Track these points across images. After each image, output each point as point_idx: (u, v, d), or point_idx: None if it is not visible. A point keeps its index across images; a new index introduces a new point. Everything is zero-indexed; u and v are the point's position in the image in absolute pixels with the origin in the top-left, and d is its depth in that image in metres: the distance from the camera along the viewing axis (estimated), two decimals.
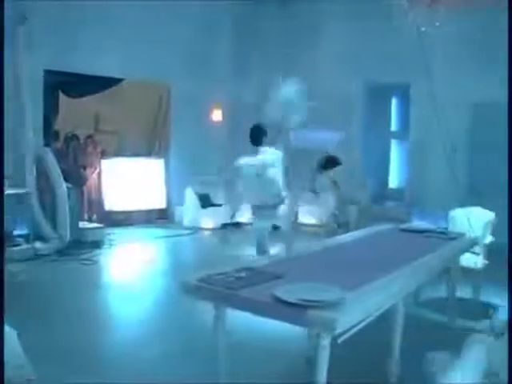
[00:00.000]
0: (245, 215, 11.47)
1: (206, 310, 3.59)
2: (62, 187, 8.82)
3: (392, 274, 3.70)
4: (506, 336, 3.88)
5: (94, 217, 11.13)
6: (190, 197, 11.59)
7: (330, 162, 8.64)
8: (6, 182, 7.75)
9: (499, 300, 6.15)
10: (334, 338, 2.89)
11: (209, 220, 11.44)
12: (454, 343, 4.98)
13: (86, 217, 10.83)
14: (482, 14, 9.15)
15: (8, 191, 7.71)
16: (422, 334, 4.96)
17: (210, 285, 3.25)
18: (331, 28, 11.67)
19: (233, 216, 8.03)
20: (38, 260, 8.17)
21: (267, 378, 4.33)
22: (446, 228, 6.08)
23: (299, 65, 12.02)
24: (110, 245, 9.44)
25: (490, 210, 6.60)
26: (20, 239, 8.41)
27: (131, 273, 8.16)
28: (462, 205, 6.84)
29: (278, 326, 3.25)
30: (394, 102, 12.66)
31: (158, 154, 12.63)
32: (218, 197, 11.60)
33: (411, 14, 7.57)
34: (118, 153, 12.20)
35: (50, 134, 10.67)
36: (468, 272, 5.98)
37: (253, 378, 4.25)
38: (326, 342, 2.84)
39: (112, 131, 12.48)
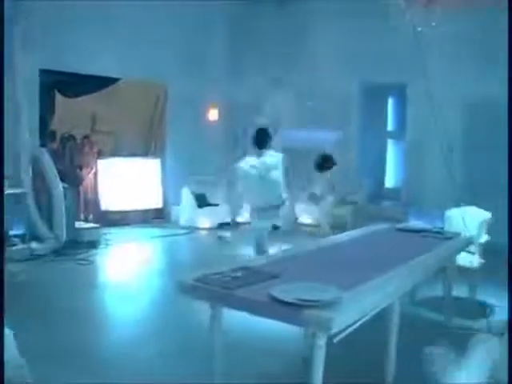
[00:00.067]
0: (242, 215, 11.54)
1: (202, 309, 3.59)
2: (59, 187, 8.82)
3: (388, 274, 3.71)
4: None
5: (91, 217, 11.11)
6: (187, 196, 11.58)
7: (326, 161, 8.61)
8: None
9: (495, 299, 6.17)
10: (330, 337, 2.90)
11: (205, 220, 11.43)
12: (451, 342, 4.99)
13: (82, 217, 10.81)
14: (478, 13, 9.16)
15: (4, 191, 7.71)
16: (418, 333, 4.96)
17: (207, 284, 3.25)
18: (327, 27, 11.66)
19: (234, 216, 8.05)
20: (34, 260, 8.16)
21: (263, 378, 4.34)
22: (442, 228, 6.09)
23: (295, 65, 12.05)
24: (107, 245, 9.43)
25: (486, 209, 6.61)
26: (16, 239, 8.40)
27: (127, 272, 8.16)
28: (458, 204, 6.84)
29: (274, 326, 3.25)
30: (390, 101, 12.66)
31: (155, 154, 12.63)
32: (214, 196, 11.60)
33: (408, 13, 7.58)
34: (115, 153, 12.18)
35: (46, 134, 10.66)
36: (464, 271, 5.99)
37: (249, 377, 4.26)
38: (321, 341, 2.84)
39: (108, 131, 12.46)
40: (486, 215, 6.50)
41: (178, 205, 11.81)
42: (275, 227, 7.08)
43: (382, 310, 3.52)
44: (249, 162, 6.63)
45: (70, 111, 11.34)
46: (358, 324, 3.14)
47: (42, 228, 8.65)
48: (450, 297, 5.49)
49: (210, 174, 11.85)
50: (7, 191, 7.84)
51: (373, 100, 11.87)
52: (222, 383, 3.52)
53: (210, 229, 11.33)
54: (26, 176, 8.62)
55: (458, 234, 5.61)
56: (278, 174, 6.68)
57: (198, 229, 11.28)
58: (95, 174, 11.35)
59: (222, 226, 11.42)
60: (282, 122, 11.30)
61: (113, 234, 10.15)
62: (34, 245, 8.41)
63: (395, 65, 10.14)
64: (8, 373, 2.53)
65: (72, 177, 10.55)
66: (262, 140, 6.74)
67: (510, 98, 6.05)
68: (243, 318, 3.30)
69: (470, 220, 6.25)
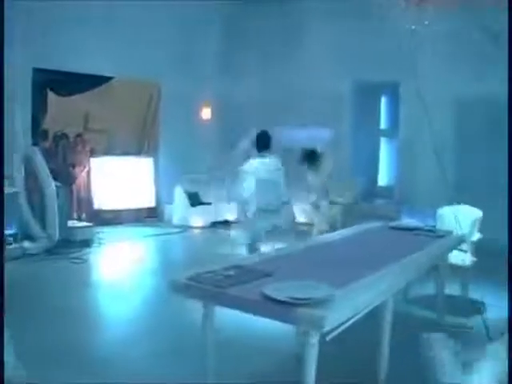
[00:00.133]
0: (235, 214, 11.54)
1: (195, 308, 3.59)
2: (51, 186, 8.80)
3: (381, 272, 3.72)
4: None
5: (83, 216, 11.10)
6: (180, 195, 11.58)
7: (309, 156, 8.57)
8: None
9: (487, 297, 6.18)
10: (322, 335, 2.90)
11: (198, 218, 11.43)
12: (442, 339, 5.01)
13: (75, 216, 10.79)
14: (470, 12, 9.17)
15: None
16: (410, 331, 4.98)
17: (199, 283, 3.25)
18: (321, 27, 11.67)
19: (240, 216, 8.09)
20: (27, 259, 8.14)
21: (256, 377, 4.34)
22: (435, 226, 6.10)
23: (288, 63, 12.06)
24: (100, 243, 9.42)
25: (478, 207, 6.63)
26: (9, 238, 8.37)
27: (121, 271, 8.15)
28: (451, 203, 6.86)
29: (267, 324, 3.25)
30: (383, 100, 12.68)
31: (148, 153, 12.61)
32: (207, 195, 11.61)
33: (400, 12, 7.60)
34: (108, 151, 12.16)
35: (38, 132, 10.61)
36: (456, 269, 6.00)
37: (242, 376, 4.26)
38: (314, 339, 2.85)
39: (101, 130, 12.43)
40: (478, 213, 6.52)
41: (171, 204, 11.81)
42: (276, 227, 7.12)
43: (374, 308, 3.52)
44: (253, 164, 6.68)
45: (62, 110, 11.29)
46: (350, 322, 3.15)
47: (35, 227, 8.63)
48: (442, 295, 5.51)
49: (203, 173, 11.86)
50: None
51: (366, 98, 11.88)
52: (215, 382, 3.52)
53: (202, 227, 11.34)
54: (19, 175, 8.59)
55: (450, 233, 5.63)
56: (279, 176, 6.79)
57: (191, 227, 11.28)
58: (88, 173, 11.34)
59: (216, 224, 11.46)
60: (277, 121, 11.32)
61: (106, 232, 10.15)
62: (26, 244, 8.39)
63: (388, 63, 10.14)
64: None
65: (65, 175, 10.54)
66: (264, 143, 6.83)
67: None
68: (236, 316, 3.31)
69: (462, 218, 6.26)
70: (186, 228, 11.19)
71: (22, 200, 8.59)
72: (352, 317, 3.14)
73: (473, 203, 6.67)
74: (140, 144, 12.87)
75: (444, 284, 5.53)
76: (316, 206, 8.65)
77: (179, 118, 12.01)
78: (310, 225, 9.19)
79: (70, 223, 9.48)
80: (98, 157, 11.61)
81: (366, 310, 3.31)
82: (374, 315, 3.76)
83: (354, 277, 3.47)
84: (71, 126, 11.57)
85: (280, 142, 9.20)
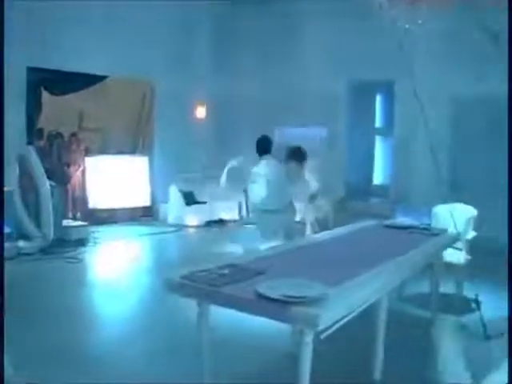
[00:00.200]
0: (230, 213, 11.56)
1: (190, 306, 3.59)
2: (46, 185, 8.79)
3: (375, 270, 3.72)
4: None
5: (78, 215, 11.08)
6: (175, 194, 11.58)
7: (294, 153, 8.63)
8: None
9: (482, 295, 6.20)
10: (317, 333, 2.90)
11: (193, 217, 11.43)
12: (437, 338, 5.04)
13: (70, 215, 10.78)
14: (465, 11, 9.18)
15: None
16: (405, 329, 5.00)
17: (193, 282, 3.25)
18: (314, 27, 11.68)
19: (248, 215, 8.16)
20: (22, 259, 8.13)
21: (251, 375, 4.34)
22: (429, 224, 6.11)
23: (282, 63, 12.07)
24: (95, 243, 9.41)
25: (473, 205, 6.64)
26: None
27: (116, 271, 8.14)
28: (445, 201, 6.88)
29: (263, 323, 3.25)
30: (378, 98, 12.70)
31: (143, 152, 12.60)
32: (202, 194, 11.60)
33: (394, 11, 7.60)
34: (102, 150, 12.15)
35: (33, 131, 10.59)
36: (451, 267, 6.02)
37: (237, 374, 4.27)
38: (308, 338, 2.85)
39: (96, 129, 12.42)
40: (473, 212, 6.53)
41: (166, 203, 11.81)
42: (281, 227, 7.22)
43: (369, 307, 3.53)
44: (261, 167, 6.83)
45: (57, 109, 11.27)
46: (345, 320, 3.15)
47: (30, 226, 8.62)
48: (436, 293, 5.52)
49: (197, 172, 11.86)
50: None
51: (361, 97, 11.90)
52: (210, 381, 3.52)
53: (197, 226, 11.34)
54: (13, 174, 8.57)
55: (444, 231, 5.64)
56: (283, 177, 6.91)
57: (186, 226, 11.28)
58: (83, 172, 11.32)
59: (210, 223, 11.46)
60: (272, 120, 11.34)
61: (101, 232, 10.14)
62: (21, 243, 8.37)
63: (383, 62, 10.16)
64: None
65: (59, 175, 10.52)
66: (265, 147, 6.97)
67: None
68: (231, 315, 3.31)
69: (457, 216, 6.28)
70: (181, 227, 11.19)
71: (17, 199, 8.58)
72: (346, 315, 3.14)
73: (472, 202, 6.67)
74: (135, 143, 12.86)
75: (439, 282, 5.54)
76: (313, 198, 8.69)
77: (174, 117, 12.02)
78: (302, 224, 9.20)
79: (65, 222, 9.48)
80: (92, 156, 11.60)
81: (360, 309, 3.32)
82: (368, 313, 3.77)
83: (348, 275, 3.47)
84: (66, 125, 11.55)
85: (280, 142, 9.26)
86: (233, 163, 7.81)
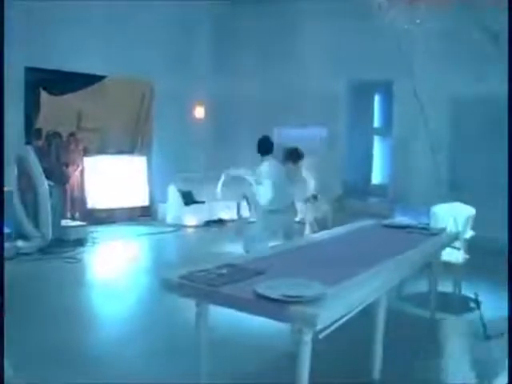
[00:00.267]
0: (229, 212, 11.56)
1: (189, 306, 3.59)
2: (44, 185, 8.79)
3: (374, 269, 3.72)
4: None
5: (77, 215, 11.09)
6: (173, 194, 11.58)
7: (291, 154, 8.72)
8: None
9: (480, 294, 6.21)
10: (316, 333, 2.91)
11: (192, 217, 11.43)
12: (436, 337, 5.04)
13: (68, 215, 10.79)
14: (464, 11, 9.19)
15: None
16: (404, 328, 5.01)
17: (192, 282, 3.25)
18: (314, 27, 11.69)
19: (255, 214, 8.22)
20: (21, 259, 8.12)
21: (250, 375, 4.34)
22: (428, 224, 6.11)
23: (281, 63, 12.07)
24: (93, 243, 9.41)
25: (472, 205, 6.65)
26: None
27: (115, 271, 8.14)
28: (444, 200, 6.89)
29: (262, 322, 3.26)
30: (377, 98, 12.71)
31: (141, 152, 12.60)
32: (200, 194, 11.60)
33: (392, 11, 7.61)
34: (101, 150, 12.16)
35: (31, 131, 10.60)
36: (449, 266, 6.03)
37: (236, 374, 4.27)
38: (307, 337, 2.85)
39: (94, 129, 12.44)
40: (471, 211, 6.53)
41: (165, 202, 11.81)
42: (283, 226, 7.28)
43: (368, 306, 3.53)
44: (266, 167, 6.90)
45: (55, 109, 11.28)
46: (344, 320, 3.16)
47: (28, 226, 8.61)
48: (435, 292, 5.52)
49: (196, 172, 11.87)
50: None
51: (359, 97, 11.91)
52: (209, 381, 3.52)
53: (196, 226, 11.34)
54: (12, 174, 8.57)
55: (443, 230, 5.64)
56: (285, 177, 7.13)
57: (184, 226, 11.28)
58: (81, 172, 11.32)
59: (209, 223, 11.46)
60: (271, 120, 11.35)
61: (99, 232, 10.14)
62: (19, 243, 8.37)
63: (382, 62, 10.18)
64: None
65: (58, 175, 10.51)
66: (267, 148, 7.06)
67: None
68: (230, 315, 3.31)
69: (455, 216, 6.29)
70: (179, 227, 11.19)
71: (15, 199, 8.57)
72: (345, 314, 3.14)
73: (471, 202, 6.68)
74: (133, 143, 12.86)
75: (437, 281, 5.54)
76: (308, 201, 8.73)
77: (172, 117, 12.02)
78: (302, 224, 9.21)
79: (64, 222, 9.48)
80: (91, 156, 11.60)
81: (359, 308, 3.32)
82: (367, 313, 3.77)
83: (347, 275, 3.47)
84: (64, 125, 11.56)
85: (280, 142, 9.28)
86: (230, 172, 7.88)
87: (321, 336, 2.98)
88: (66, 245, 8.88)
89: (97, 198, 11.43)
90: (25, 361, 4.27)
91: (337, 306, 3.01)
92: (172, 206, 11.62)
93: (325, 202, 9.40)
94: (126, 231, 10.68)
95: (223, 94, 12.48)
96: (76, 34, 10.20)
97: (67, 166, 11.14)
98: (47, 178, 8.98)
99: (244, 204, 10.10)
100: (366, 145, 12.49)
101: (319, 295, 2.94)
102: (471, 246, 6.41)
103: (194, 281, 3.25)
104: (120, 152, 12.28)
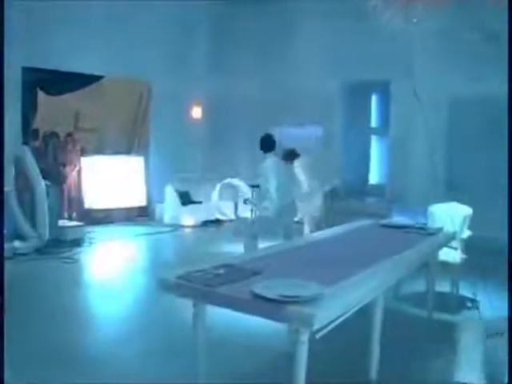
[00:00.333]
0: (227, 212, 11.57)
1: (186, 307, 3.58)
2: (41, 185, 8.78)
3: (371, 269, 3.72)
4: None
5: (74, 215, 11.09)
6: (170, 194, 11.58)
7: (290, 154, 8.83)
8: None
9: (478, 294, 6.23)
10: (313, 333, 2.90)
11: (189, 217, 11.42)
12: (433, 337, 5.03)
13: (65, 215, 10.78)
14: (460, 10, 9.20)
15: None
16: (401, 328, 5.01)
17: (189, 282, 3.24)
18: (311, 27, 11.69)
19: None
20: (18, 259, 8.11)
21: (248, 375, 4.34)
22: (425, 223, 6.12)
23: (279, 63, 12.07)
24: (90, 243, 9.40)
25: (469, 205, 6.65)
26: None
27: (112, 271, 8.14)
28: (441, 200, 6.90)
29: (259, 322, 3.25)
30: (374, 98, 12.71)
31: (138, 152, 12.60)
32: (198, 194, 11.61)
33: (389, 12, 7.61)
34: (98, 150, 12.16)
35: (28, 132, 10.59)
36: (446, 266, 6.03)
37: (233, 374, 4.27)
38: (304, 337, 2.84)
39: (92, 129, 12.44)
40: (468, 211, 6.54)
41: (162, 203, 11.80)
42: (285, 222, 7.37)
43: (365, 306, 3.53)
44: (270, 163, 7.04)
45: (52, 109, 11.28)
46: (341, 319, 3.16)
47: (25, 226, 8.60)
48: (432, 292, 5.52)
49: (193, 172, 11.87)
50: None
51: (357, 97, 11.91)
52: (206, 381, 3.52)
53: (193, 226, 11.34)
54: (9, 174, 8.56)
55: (440, 230, 5.64)
56: (285, 175, 7.33)
57: (182, 226, 11.28)
58: (79, 172, 11.32)
59: (207, 223, 11.46)
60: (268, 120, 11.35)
61: (97, 232, 10.13)
62: (17, 243, 8.36)
63: (379, 62, 10.18)
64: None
65: (55, 175, 10.51)
66: (269, 145, 7.21)
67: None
68: (227, 315, 3.31)
69: (452, 216, 6.29)
70: (177, 227, 11.19)
71: (12, 199, 8.56)
72: (342, 314, 3.14)
73: (468, 202, 6.68)
74: (130, 143, 12.86)
75: (434, 281, 5.54)
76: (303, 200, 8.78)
77: (170, 117, 12.03)
78: (301, 223, 9.22)
79: (61, 222, 9.47)
80: (88, 156, 11.59)
81: (356, 308, 3.32)
82: (364, 313, 3.77)
83: (344, 275, 3.47)
84: (61, 125, 11.56)
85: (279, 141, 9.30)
86: (226, 181, 7.96)
87: (318, 336, 2.97)
88: (63, 245, 8.87)
89: (94, 198, 11.42)
90: (22, 361, 4.27)
91: (334, 306, 3.00)
92: (169, 206, 11.62)
93: (318, 201, 9.46)
94: (124, 231, 10.68)
95: (220, 94, 12.48)
96: (74, 34, 10.19)
97: (64, 166, 11.14)
98: (44, 178, 8.97)
99: (242, 205, 10.15)
100: (363, 144, 12.49)
101: (316, 295, 2.94)
102: (469, 246, 6.41)
103: (191, 281, 3.24)
104: (117, 152, 12.28)
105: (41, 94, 11.34)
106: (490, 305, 5.98)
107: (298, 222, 8.43)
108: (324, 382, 3.91)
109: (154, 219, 11.90)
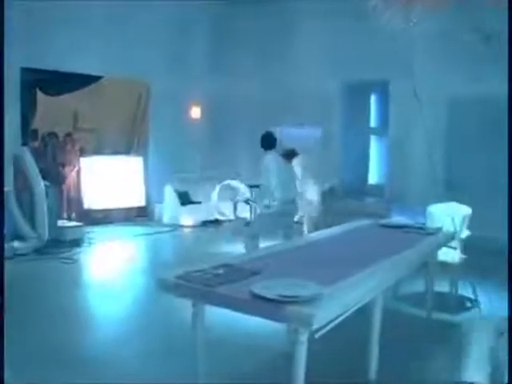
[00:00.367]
0: (226, 212, 11.56)
1: (185, 307, 3.59)
2: (40, 186, 8.78)
3: (370, 269, 3.72)
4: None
5: (73, 215, 11.08)
6: (170, 194, 11.57)
7: (290, 154, 8.87)
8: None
9: (477, 294, 6.23)
10: (312, 333, 2.90)
11: (188, 217, 11.42)
12: (432, 336, 5.03)
13: (65, 215, 10.77)
14: (459, 11, 9.19)
15: None
16: (400, 328, 5.01)
17: (188, 282, 3.24)
18: (310, 27, 11.69)
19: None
20: (17, 259, 8.10)
21: (247, 375, 4.34)
22: (424, 223, 6.12)
23: (278, 63, 12.07)
24: (90, 243, 9.40)
25: (469, 205, 6.65)
26: None
27: (111, 271, 8.13)
28: (440, 200, 6.90)
29: (258, 322, 3.25)
30: (373, 98, 12.71)
31: (137, 152, 12.59)
32: (197, 194, 11.60)
33: (388, 12, 7.61)
34: (97, 151, 12.16)
35: (27, 132, 10.58)
36: (445, 266, 6.03)
37: (232, 374, 4.27)
38: (303, 337, 2.85)
39: (91, 129, 12.44)
40: (467, 211, 6.54)
41: (161, 203, 11.80)
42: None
43: (364, 306, 3.53)
44: (272, 160, 7.11)
45: (51, 109, 11.28)
46: (340, 319, 3.16)
47: (24, 227, 8.60)
48: (431, 292, 5.52)
49: (192, 172, 11.87)
50: None
51: (356, 97, 11.91)
52: (206, 381, 3.52)
53: (193, 226, 11.33)
54: (8, 174, 8.55)
55: (439, 230, 5.64)
56: (287, 172, 7.32)
57: (181, 226, 11.27)
58: (78, 172, 11.31)
59: (206, 223, 11.46)
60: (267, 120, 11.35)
61: (96, 232, 10.12)
62: (16, 244, 8.35)
63: (378, 62, 10.18)
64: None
65: (54, 175, 10.51)
66: (270, 143, 7.27)
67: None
68: (226, 315, 3.31)
69: (451, 215, 6.29)
70: (176, 227, 11.19)
71: (12, 200, 8.56)
72: (341, 314, 3.14)
73: (467, 202, 6.68)
74: (130, 143, 12.86)
75: (433, 281, 5.54)
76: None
77: (169, 117, 12.02)
78: (300, 223, 9.23)
79: (60, 223, 9.46)
80: (87, 156, 11.59)
81: (355, 308, 3.32)
82: (363, 312, 3.77)
83: (343, 274, 3.47)
84: (60, 125, 11.56)
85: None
86: (226, 183, 8.00)
87: (317, 336, 2.97)
88: (62, 245, 8.87)
89: (93, 198, 11.41)
90: (22, 360, 4.27)
91: (333, 306, 3.01)
92: (168, 207, 11.62)
93: (314, 200, 9.48)
94: (123, 231, 10.67)
95: (220, 94, 12.47)
96: (73, 34, 10.17)
97: (63, 166, 11.13)
98: (43, 178, 8.97)
99: (241, 206, 10.17)
100: (362, 144, 12.49)
101: (315, 295, 2.94)
102: (468, 246, 6.41)
103: (191, 281, 3.25)
104: (116, 152, 12.28)
105: (40, 95, 11.34)
106: (489, 305, 5.98)
107: (297, 222, 8.43)
108: (323, 382, 3.91)
109: (153, 219, 11.89)
